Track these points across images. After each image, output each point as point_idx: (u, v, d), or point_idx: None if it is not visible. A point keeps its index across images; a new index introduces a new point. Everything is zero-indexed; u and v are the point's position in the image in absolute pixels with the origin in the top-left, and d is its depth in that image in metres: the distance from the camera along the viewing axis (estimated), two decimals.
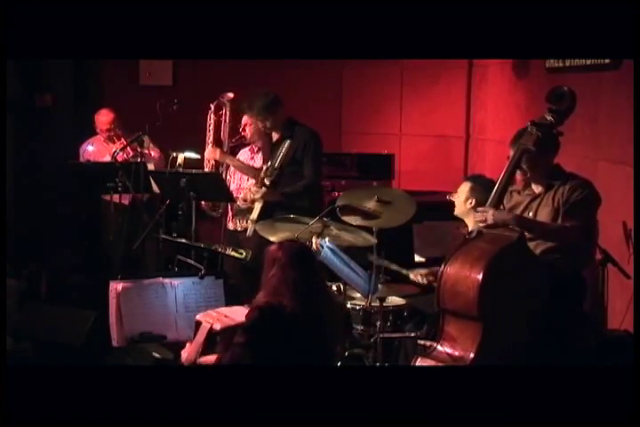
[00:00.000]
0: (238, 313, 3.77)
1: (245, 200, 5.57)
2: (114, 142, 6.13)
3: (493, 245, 3.70)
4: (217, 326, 3.75)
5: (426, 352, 3.70)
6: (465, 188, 4.63)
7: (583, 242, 3.95)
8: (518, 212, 4.01)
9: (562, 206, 3.90)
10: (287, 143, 5.47)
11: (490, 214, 3.83)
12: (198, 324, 3.82)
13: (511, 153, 3.98)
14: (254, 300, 3.62)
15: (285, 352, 3.45)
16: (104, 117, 6.23)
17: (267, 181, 5.44)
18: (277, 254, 3.61)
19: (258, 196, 5.41)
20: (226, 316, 3.81)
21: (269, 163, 5.50)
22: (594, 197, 3.96)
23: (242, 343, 3.49)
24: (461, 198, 4.62)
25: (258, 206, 5.45)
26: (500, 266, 3.61)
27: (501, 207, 3.95)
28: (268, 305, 3.50)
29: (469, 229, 4.47)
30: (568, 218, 3.87)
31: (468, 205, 4.57)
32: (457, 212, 4.67)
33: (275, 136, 5.64)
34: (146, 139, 6.08)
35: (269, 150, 5.67)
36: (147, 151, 6.10)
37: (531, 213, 3.99)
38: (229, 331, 3.68)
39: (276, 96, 5.57)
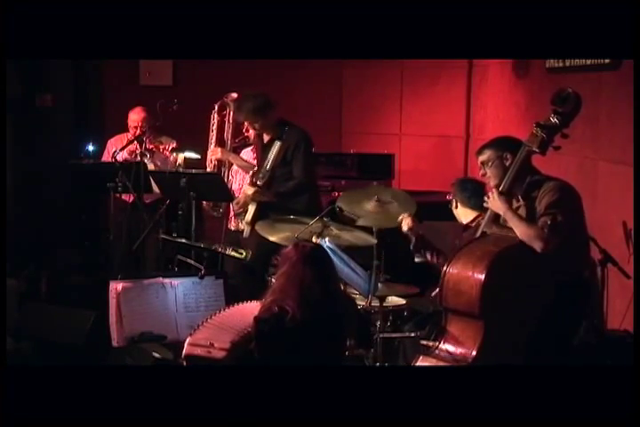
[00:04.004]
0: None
1: (238, 203, 5.54)
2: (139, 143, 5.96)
3: (496, 245, 3.71)
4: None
5: (428, 351, 3.71)
6: (451, 193, 4.74)
7: (569, 240, 3.86)
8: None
9: (537, 214, 3.82)
10: (277, 145, 5.42)
11: (492, 197, 3.84)
12: (188, 358, 3.68)
13: (480, 159, 3.95)
14: (263, 300, 3.62)
15: (290, 356, 3.46)
16: (133, 115, 6.20)
17: (258, 182, 5.40)
18: (290, 253, 3.63)
19: (249, 193, 5.38)
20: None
21: (261, 164, 5.48)
22: (566, 197, 3.81)
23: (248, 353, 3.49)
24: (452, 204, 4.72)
25: (251, 209, 5.42)
26: (503, 266, 3.62)
27: (501, 220, 3.94)
28: (267, 315, 3.49)
29: (464, 223, 4.54)
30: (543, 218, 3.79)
31: (454, 208, 4.66)
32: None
33: (265, 138, 5.58)
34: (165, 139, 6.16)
35: (261, 152, 5.61)
36: (160, 146, 6.11)
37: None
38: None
39: (266, 99, 5.45)
